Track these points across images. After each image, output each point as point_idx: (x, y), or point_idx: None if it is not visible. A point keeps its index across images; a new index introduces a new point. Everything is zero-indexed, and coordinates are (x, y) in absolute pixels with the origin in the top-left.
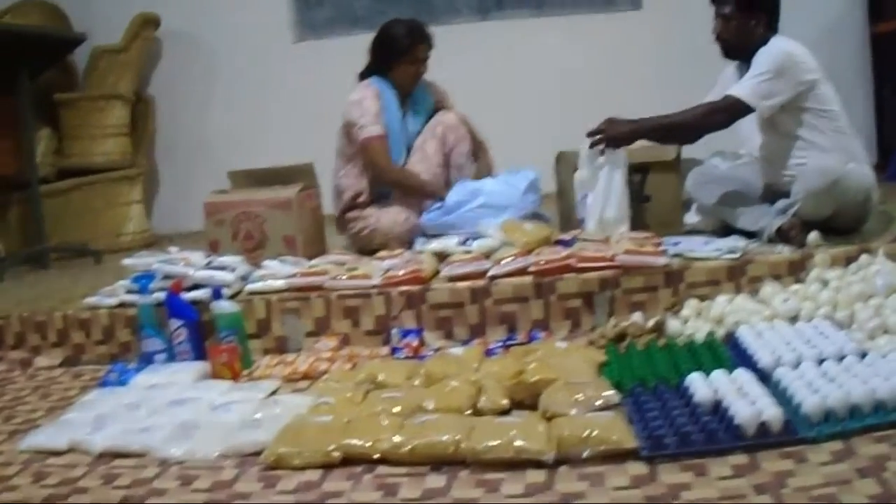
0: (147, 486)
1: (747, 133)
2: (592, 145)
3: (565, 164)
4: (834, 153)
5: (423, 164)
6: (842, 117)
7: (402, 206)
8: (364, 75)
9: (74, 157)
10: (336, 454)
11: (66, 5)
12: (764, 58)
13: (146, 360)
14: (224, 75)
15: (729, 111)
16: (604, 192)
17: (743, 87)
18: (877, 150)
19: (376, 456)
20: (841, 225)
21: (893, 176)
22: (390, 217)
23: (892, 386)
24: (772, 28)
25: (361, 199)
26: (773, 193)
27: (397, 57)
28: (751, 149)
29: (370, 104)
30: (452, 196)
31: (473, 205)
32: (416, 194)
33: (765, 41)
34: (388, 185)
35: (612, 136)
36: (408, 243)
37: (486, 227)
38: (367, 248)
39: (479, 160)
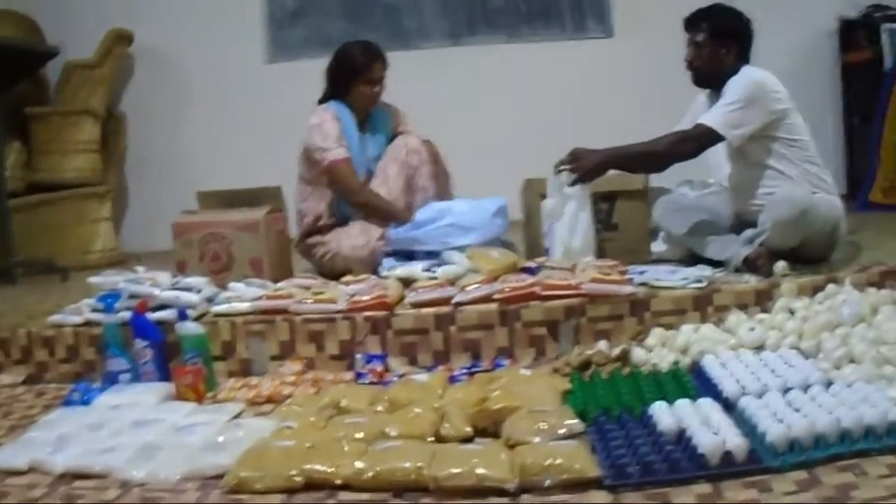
0: None
1: (716, 162)
2: (560, 172)
3: (532, 191)
4: (802, 183)
5: (384, 187)
6: (811, 147)
7: (362, 230)
8: (322, 101)
9: (44, 172)
10: (298, 479)
11: (39, 18)
12: (735, 87)
13: (110, 379)
14: (196, 94)
15: (699, 140)
16: (570, 221)
17: (713, 116)
18: (846, 181)
19: (338, 481)
20: (809, 255)
21: (862, 206)
22: (350, 241)
23: (858, 415)
24: (743, 57)
25: (321, 222)
26: (740, 222)
27: (353, 78)
28: (719, 178)
29: (330, 127)
30: (422, 213)
31: (442, 223)
32: (383, 217)
33: (736, 70)
34: (356, 206)
35: (582, 170)
36: (370, 266)
37: (451, 254)
38: (330, 272)
39: (440, 185)
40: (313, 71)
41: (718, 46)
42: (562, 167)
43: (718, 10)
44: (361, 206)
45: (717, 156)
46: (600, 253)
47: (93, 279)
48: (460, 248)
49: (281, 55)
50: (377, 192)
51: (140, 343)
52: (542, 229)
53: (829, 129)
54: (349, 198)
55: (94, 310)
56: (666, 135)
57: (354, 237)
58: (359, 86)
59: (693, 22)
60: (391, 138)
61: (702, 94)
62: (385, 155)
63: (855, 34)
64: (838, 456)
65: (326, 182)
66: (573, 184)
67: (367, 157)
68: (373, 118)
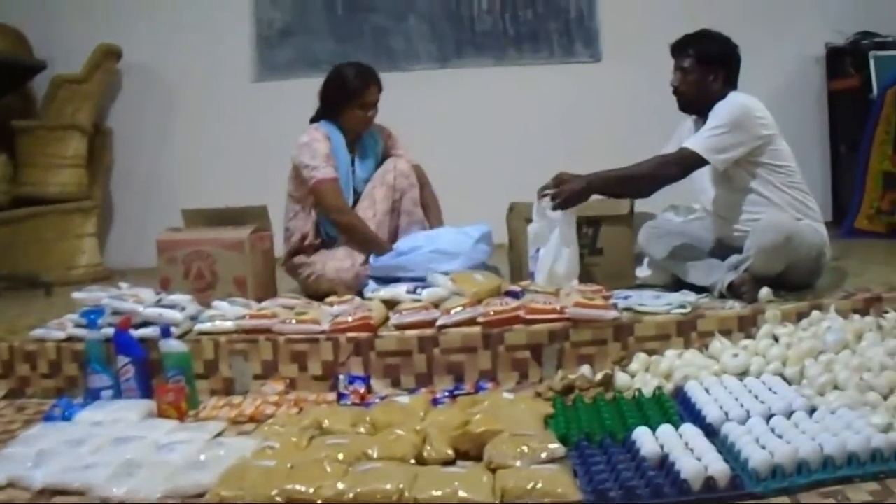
0: None
1: (701, 186)
2: (544, 197)
3: (517, 215)
4: (787, 209)
5: (371, 209)
6: (797, 173)
7: (347, 253)
8: (314, 120)
9: (29, 186)
10: (279, 499)
11: (27, 31)
12: (721, 111)
13: (92, 396)
14: (183, 111)
15: (681, 164)
16: (555, 246)
17: (698, 140)
18: (832, 207)
19: (319, 502)
20: (793, 281)
21: (848, 233)
22: (335, 264)
23: (841, 442)
24: (730, 83)
25: (307, 241)
26: (725, 248)
27: (347, 100)
28: (705, 202)
29: (320, 146)
30: (406, 241)
31: (426, 249)
32: (362, 242)
33: (723, 96)
34: (338, 227)
35: (566, 196)
36: (354, 290)
37: (435, 277)
38: (314, 294)
39: (428, 211)
40: (300, 90)
41: (705, 72)
42: (545, 192)
43: (705, 36)
44: (343, 228)
45: (702, 180)
46: (585, 277)
47: (76, 295)
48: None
49: (268, 74)
50: (361, 218)
51: (122, 360)
52: (529, 254)
53: (816, 156)
54: (333, 217)
55: (77, 325)
56: (649, 159)
57: (340, 260)
58: (353, 109)
59: (680, 48)
60: (381, 161)
61: (688, 119)
62: (373, 177)
63: (842, 61)
64: (821, 482)
65: (314, 203)
66: (556, 208)
67: (356, 179)
68: (363, 140)
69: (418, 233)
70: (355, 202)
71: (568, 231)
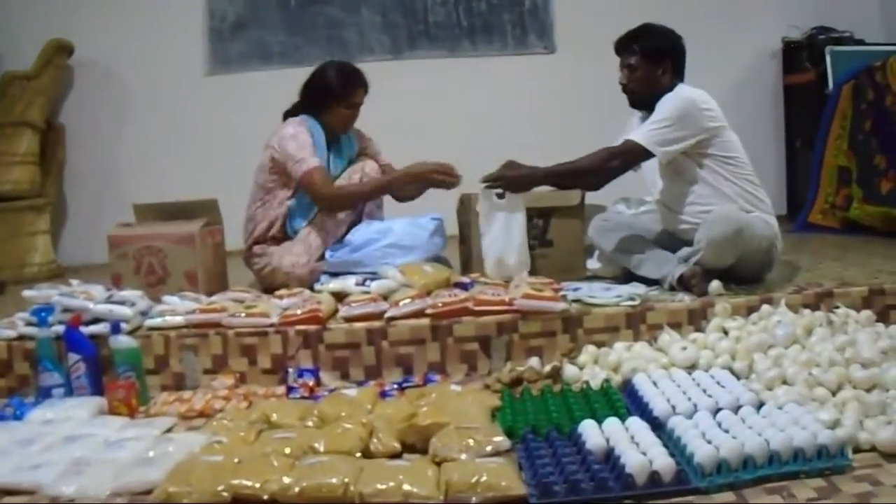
0: None
1: (652, 179)
2: (489, 188)
3: (468, 207)
4: (738, 200)
5: None
6: (746, 165)
7: (304, 249)
8: (291, 114)
9: None
10: (226, 494)
11: None
12: (666, 104)
13: (44, 394)
14: (135, 106)
15: (624, 156)
16: (503, 236)
17: (642, 133)
18: (786, 201)
19: (265, 497)
20: (744, 274)
21: (802, 227)
22: (292, 258)
23: (787, 437)
24: (678, 75)
25: (272, 231)
26: (675, 240)
27: (334, 100)
28: (656, 195)
29: (305, 139)
30: (359, 234)
31: (381, 244)
32: (366, 198)
33: (671, 89)
34: (338, 209)
35: (510, 181)
36: (307, 285)
37: (385, 269)
38: (269, 286)
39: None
40: (253, 84)
41: (652, 67)
42: (489, 177)
43: (648, 31)
44: (343, 206)
45: (652, 173)
46: (535, 269)
47: (27, 293)
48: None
49: (221, 68)
50: (349, 187)
51: (73, 357)
52: (481, 242)
53: (771, 150)
54: (326, 203)
55: (28, 323)
56: (595, 152)
57: (296, 255)
58: (338, 109)
59: (624, 45)
60: (352, 161)
61: (635, 115)
62: (342, 177)
63: (798, 56)
64: (766, 478)
65: (293, 190)
66: (499, 195)
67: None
68: (340, 140)
69: (371, 223)
70: None
71: (516, 221)
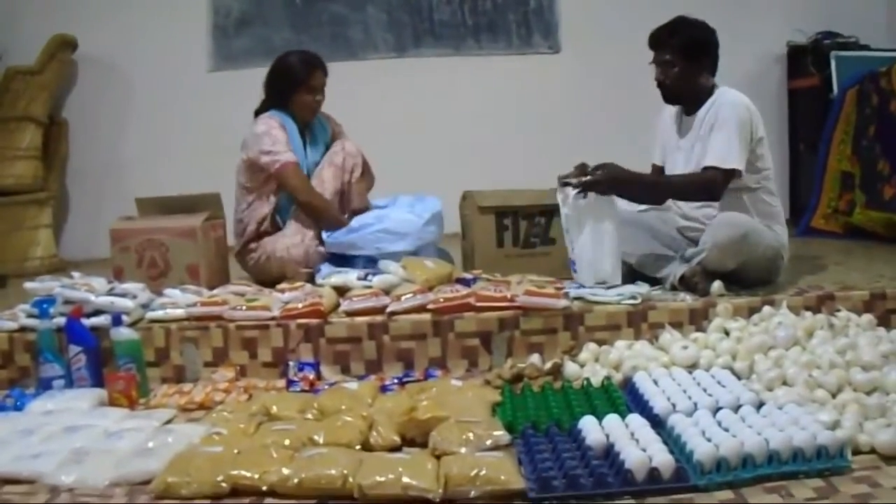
0: None
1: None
2: (575, 186)
3: (470, 203)
4: (751, 209)
5: (318, 188)
6: (770, 175)
7: (296, 230)
8: (260, 111)
9: None
10: (224, 485)
11: None
12: (730, 119)
13: (44, 385)
14: (139, 101)
15: (724, 183)
16: (592, 241)
17: (724, 155)
18: (789, 206)
19: (264, 488)
20: (747, 280)
21: (804, 232)
22: (286, 241)
23: (787, 437)
24: (713, 70)
25: (263, 227)
26: (679, 240)
27: (294, 87)
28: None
29: (278, 133)
30: (359, 219)
31: (375, 228)
32: (324, 220)
33: (707, 88)
34: (301, 206)
35: (589, 183)
36: (303, 265)
37: (387, 264)
38: (266, 278)
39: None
40: (257, 80)
41: (690, 63)
42: (566, 179)
43: (685, 26)
44: (312, 209)
45: (673, 172)
46: (537, 267)
47: (28, 285)
48: (393, 255)
49: (225, 64)
50: (326, 198)
51: (74, 349)
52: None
53: (775, 155)
54: (300, 199)
55: (30, 315)
56: (686, 177)
57: (289, 237)
58: (300, 95)
59: (659, 39)
60: (329, 146)
61: (664, 113)
62: (322, 160)
63: (803, 60)
64: (765, 477)
65: (274, 190)
66: (581, 193)
67: (308, 164)
68: (312, 127)
69: (373, 210)
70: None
71: (606, 225)
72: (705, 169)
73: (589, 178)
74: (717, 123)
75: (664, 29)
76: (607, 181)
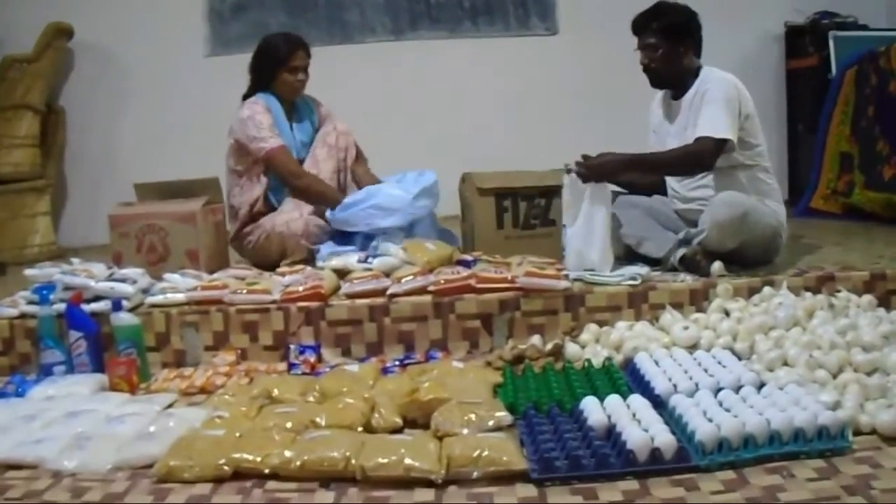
0: (39, 497)
1: None
2: (576, 174)
3: (469, 185)
4: (749, 188)
5: (314, 169)
6: (764, 152)
7: (295, 205)
8: (248, 95)
9: None
10: (226, 468)
11: None
12: (717, 94)
13: (45, 371)
14: (135, 88)
15: (714, 153)
16: (585, 228)
17: (715, 126)
18: (788, 186)
19: (266, 470)
20: (746, 259)
21: (803, 212)
22: (284, 216)
23: (788, 417)
24: (698, 52)
25: (256, 209)
26: (679, 222)
27: (277, 66)
28: (668, 178)
29: (262, 118)
30: (352, 195)
31: (366, 205)
32: (322, 201)
33: (693, 69)
34: (296, 191)
35: (594, 168)
36: (305, 238)
37: (387, 246)
38: (266, 260)
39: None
40: None
41: (673, 46)
42: (569, 165)
43: (665, 10)
44: (302, 190)
45: None
46: (537, 249)
47: (28, 271)
48: (385, 230)
49: (220, 49)
50: (315, 176)
51: (74, 335)
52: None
53: (773, 135)
54: (291, 182)
55: (30, 302)
56: (677, 150)
57: (287, 213)
58: (282, 74)
59: (641, 24)
60: (317, 125)
61: (654, 102)
62: (315, 141)
63: (801, 40)
64: (767, 457)
65: (264, 171)
66: (584, 180)
67: (296, 144)
68: (298, 107)
69: (370, 186)
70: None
71: (599, 212)
72: (697, 140)
73: (584, 167)
74: (706, 99)
75: (645, 14)
76: (600, 167)
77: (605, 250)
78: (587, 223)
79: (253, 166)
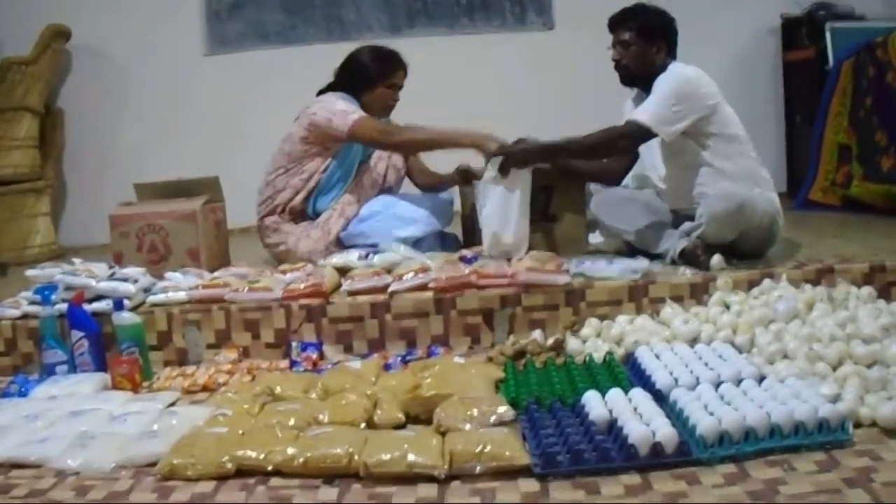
0: (43, 496)
1: (651, 162)
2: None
3: (469, 179)
4: (739, 180)
5: (368, 177)
6: (747, 142)
7: (322, 234)
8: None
9: None
10: (230, 466)
11: None
12: (664, 84)
13: (48, 371)
14: (134, 88)
15: (632, 137)
16: (500, 211)
17: (645, 114)
18: (786, 179)
19: (269, 468)
20: (745, 249)
21: (802, 204)
22: (309, 245)
23: (788, 410)
24: (671, 54)
25: (294, 202)
26: (677, 218)
27: (378, 78)
28: (657, 179)
29: (351, 103)
30: (366, 207)
31: (383, 216)
32: (423, 148)
33: (664, 67)
34: (397, 149)
35: (511, 154)
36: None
37: (387, 243)
38: (279, 262)
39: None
40: (251, 63)
41: (647, 45)
42: (495, 152)
43: (643, 10)
44: (400, 145)
45: (652, 156)
46: (537, 244)
47: (30, 272)
48: (402, 241)
49: (218, 48)
50: (408, 127)
51: (76, 334)
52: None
53: (771, 127)
54: (386, 141)
55: (32, 302)
56: (600, 131)
57: (314, 241)
58: (380, 88)
59: (618, 22)
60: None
61: (629, 99)
62: (372, 162)
63: (798, 32)
64: (768, 450)
65: (361, 141)
66: (501, 169)
67: (363, 155)
68: None
69: (379, 198)
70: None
71: (515, 197)
72: (626, 122)
73: (509, 151)
74: (653, 90)
75: (623, 11)
76: (521, 153)
77: (520, 234)
78: (503, 206)
79: (311, 158)
